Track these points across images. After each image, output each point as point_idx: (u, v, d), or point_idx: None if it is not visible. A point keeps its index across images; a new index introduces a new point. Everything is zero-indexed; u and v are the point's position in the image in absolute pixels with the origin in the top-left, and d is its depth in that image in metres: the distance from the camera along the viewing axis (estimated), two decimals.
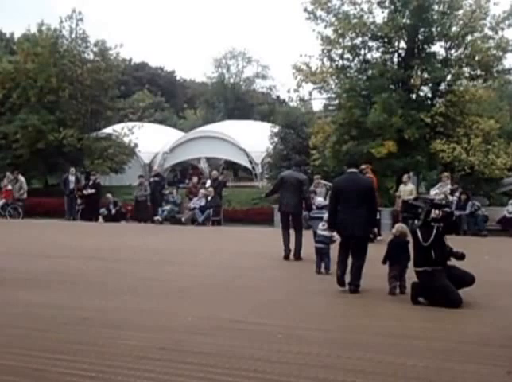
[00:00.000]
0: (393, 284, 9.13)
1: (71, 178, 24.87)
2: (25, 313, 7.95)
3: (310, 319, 7.72)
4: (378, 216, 10.96)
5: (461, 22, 22.22)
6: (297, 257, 12.77)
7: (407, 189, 19.58)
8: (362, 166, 16.30)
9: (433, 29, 22.38)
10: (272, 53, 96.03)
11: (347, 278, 9.40)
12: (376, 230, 12.09)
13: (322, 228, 10.89)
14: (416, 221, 8.83)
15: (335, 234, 10.28)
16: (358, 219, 9.29)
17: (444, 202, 11.38)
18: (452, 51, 22.83)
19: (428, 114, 21.54)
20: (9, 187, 25.21)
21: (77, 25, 31.66)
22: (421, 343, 6.57)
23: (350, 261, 9.53)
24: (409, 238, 9.21)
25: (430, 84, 22.93)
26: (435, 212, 8.71)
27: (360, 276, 9.36)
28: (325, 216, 10.83)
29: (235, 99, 58.23)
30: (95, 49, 32.19)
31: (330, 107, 25.34)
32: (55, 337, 6.80)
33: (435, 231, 8.59)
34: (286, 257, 12.81)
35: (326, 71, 23.36)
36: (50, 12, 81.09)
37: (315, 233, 11.87)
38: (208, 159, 38.07)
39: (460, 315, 7.85)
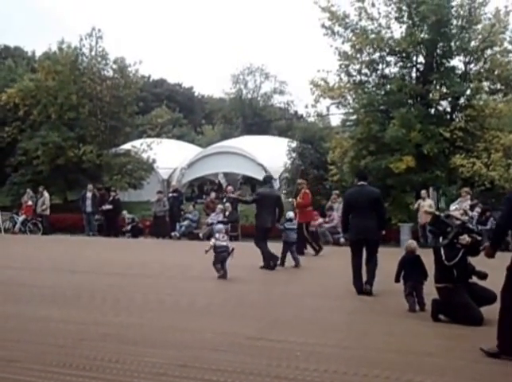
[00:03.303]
0: (411, 300, 9.05)
1: (89, 195, 25.04)
2: (44, 328, 7.94)
3: (328, 336, 7.63)
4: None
5: (480, 36, 22.13)
6: (270, 266, 13.74)
7: (426, 204, 19.46)
8: (299, 181, 18.06)
9: (452, 44, 22.29)
10: (289, 69, 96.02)
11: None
12: None
13: (223, 240, 12.22)
14: (441, 239, 8.65)
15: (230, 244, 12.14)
16: (370, 225, 10.49)
17: (473, 227, 11.19)
18: (471, 65, 22.73)
19: (448, 129, 21.41)
20: (30, 203, 25.42)
21: (97, 42, 31.98)
22: (440, 361, 6.48)
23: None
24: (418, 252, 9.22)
25: (449, 99, 22.79)
26: (465, 239, 8.45)
27: (375, 276, 10.42)
28: (220, 226, 12.68)
29: (253, 115, 58.25)
30: (114, 66, 32.45)
31: (348, 123, 25.28)
32: (74, 352, 6.75)
33: (460, 254, 8.39)
34: (274, 266, 13.79)
35: (344, 86, 23.34)
36: (71, 30, 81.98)
37: (286, 243, 13.98)
38: (226, 174, 38.05)
39: (481, 333, 7.67)
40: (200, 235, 22.37)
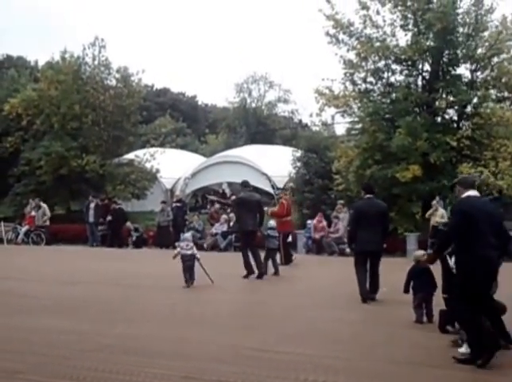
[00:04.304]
0: (419, 312, 8.91)
1: (92, 205, 24.87)
2: (46, 339, 7.88)
3: (336, 348, 7.51)
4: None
5: (487, 44, 21.94)
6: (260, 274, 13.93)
7: (438, 214, 19.19)
8: (277, 192, 17.77)
9: (458, 51, 22.11)
10: (294, 77, 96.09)
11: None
12: None
13: (187, 248, 12.42)
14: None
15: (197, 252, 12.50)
16: (377, 237, 10.80)
17: None
18: (478, 73, 22.53)
19: (454, 138, 21.19)
20: (33, 213, 25.26)
21: (100, 51, 31.92)
22: (446, 372, 6.40)
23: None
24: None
25: (456, 107, 22.58)
26: None
27: (379, 286, 10.90)
28: (186, 235, 13.25)
29: (257, 124, 58.14)
30: (117, 76, 32.36)
31: (353, 131, 25.04)
32: (76, 364, 6.72)
33: None
34: (247, 276, 13.91)
35: (349, 95, 23.17)
36: (73, 39, 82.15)
37: (268, 249, 14.49)
38: (230, 184, 37.85)
39: None
40: (205, 245, 22.15)
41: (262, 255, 14.40)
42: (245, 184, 15.17)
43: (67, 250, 23.55)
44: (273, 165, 33.84)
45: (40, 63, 50.77)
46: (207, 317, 9.47)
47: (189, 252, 12.40)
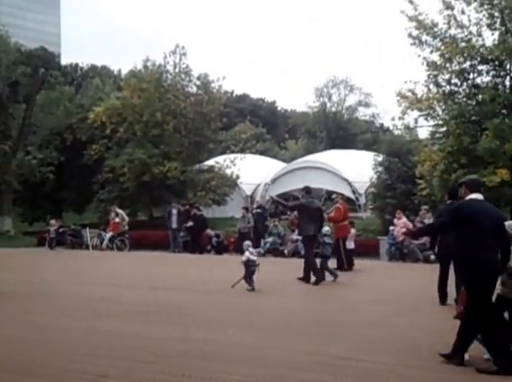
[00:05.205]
0: None
1: (174, 211, 25.11)
2: (131, 344, 7.93)
3: (420, 357, 7.18)
4: None
5: None
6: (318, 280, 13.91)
7: None
8: (334, 195, 18.61)
9: None
10: (375, 81, 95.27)
11: None
12: None
13: (254, 255, 12.91)
14: None
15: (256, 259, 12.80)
16: None
17: None
18: None
19: None
20: (117, 220, 25.74)
21: (180, 59, 32.45)
22: None
23: None
24: None
25: None
26: None
27: None
28: (248, 242, 13.52)
29: (337, 129, 57.73)
30: (197, 83, 32.79)
31: (437, 135, 24.28)
32: (159, 369, 6.77)
33: None
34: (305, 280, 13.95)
35: (432, 97, 22.50)
36: (155, 48, 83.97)
37: (323, 256, 14.47)
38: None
39: None
40: (285, 251, 21.97)
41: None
42: (307, 190, 15.11)
43: (149, 256, 23.87)
44: (354, 170, 33.45)
45: (124, 71, 52.10)
46: (284, 323, 9.38)
47: (255, 258, 12.84)
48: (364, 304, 11.33)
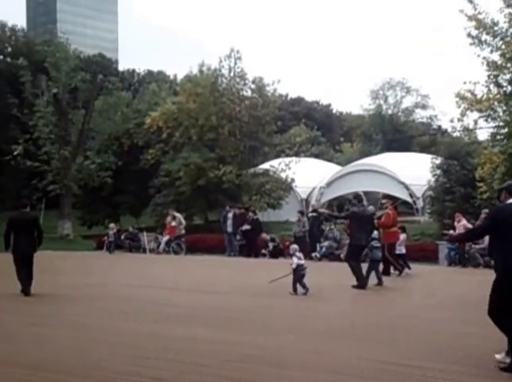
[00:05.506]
0: None
1: (230, 215, 25.12)
2: (186, 348, 7.89)
3: (479, 365, 6.87)
4: None
5: None
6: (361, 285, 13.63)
7: None
8: (383, 200, 18.60)
9: None
10: (432, 82, 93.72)
11: None
12: None
13: (301, 259, 12.86)
14: None
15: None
16: None
17: None
18: None
19: None
20: (174, 224, 25.89)
21: (235, 63, 32.49)
22: None
23: None
24: None
25: None
26: None
27: None
28: (295, 246, 13.35)
29: (393, 131, 57.05)
30: (252, 86, 32.83)
31: (498, 136, 23.68)
32: (216, 373, 6.70)
33: None
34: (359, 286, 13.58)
35: (493, 98, 21.97)
36: (210, 52, 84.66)
37: (372, 261, 14.46)
38: (366, 193, 37.17)
39: None
40: (341, 256, 21.70)
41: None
42: (358, 198, 14.85)
43: (205, 259, 23.92)
44: (411, 173, 32.95)
45: (179, 76, 52.61)
46: (345, 329, 9.22)
47: (303, 262, 12.86)
48: (423, 309, 11.06)
